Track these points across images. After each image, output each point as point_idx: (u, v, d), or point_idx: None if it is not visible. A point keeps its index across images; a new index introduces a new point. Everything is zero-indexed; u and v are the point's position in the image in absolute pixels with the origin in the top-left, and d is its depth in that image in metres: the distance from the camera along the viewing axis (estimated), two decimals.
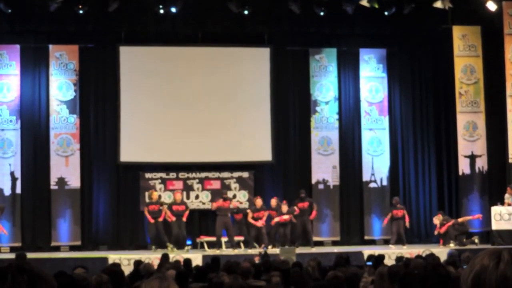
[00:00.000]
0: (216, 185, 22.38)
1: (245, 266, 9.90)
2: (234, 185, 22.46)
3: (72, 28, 21.93)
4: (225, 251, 19.92)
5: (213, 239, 20.86)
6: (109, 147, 22.31)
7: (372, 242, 22.48)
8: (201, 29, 22.44)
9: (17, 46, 21.86)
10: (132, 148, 22.26)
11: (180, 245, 20.29)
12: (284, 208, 20.86)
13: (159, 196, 21.31)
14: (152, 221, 20.50)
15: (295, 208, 21.02)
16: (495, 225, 20.68)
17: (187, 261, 13.44)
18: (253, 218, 20.78)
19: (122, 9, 20.94)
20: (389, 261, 14.30)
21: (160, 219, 20.43)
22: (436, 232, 21.31)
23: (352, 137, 23.26)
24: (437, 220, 21.31)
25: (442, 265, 7.39)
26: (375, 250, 17.39)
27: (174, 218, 20.47)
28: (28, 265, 2.31)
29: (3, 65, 21.70)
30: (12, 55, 21.78)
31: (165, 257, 14.64)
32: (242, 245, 21.12)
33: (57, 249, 20.90)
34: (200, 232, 21.83)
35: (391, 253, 17.57)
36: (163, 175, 22.31)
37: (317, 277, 10.70)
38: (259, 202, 21.06)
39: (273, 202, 21.19)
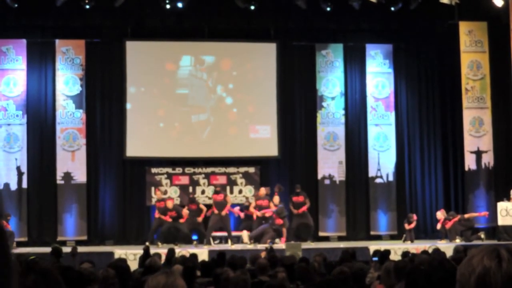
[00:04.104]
0: (222, 180, 22.40)
1: (262, 262, 9.90)
2: (240, 180, 22.47)
3: (79, 23, 21.96)
4: (232, 246, 19.91)
5: (219, 234, 20.93)
6: (115, 142, 22.33)
7: (378, 238, 22.50)
8: (208, 24, 22.46)
9: (24, 41, 21.89)
10: (138, 143, 22.29)
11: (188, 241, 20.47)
12: (276, 199, 20.92)
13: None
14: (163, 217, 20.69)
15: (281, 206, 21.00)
16: (501, 221, 20.68)
17: (193, 256, 13.45)
18: (255, 207, 20.87)
19: (129, 4, 20.95)
20: (395, 257, 14.32)
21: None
22: (439, 226, 21.31)
23: (358, 132, 23.26)
24: (441, 214, 21.30)
25: (447, 260, 7.39)
26: (381, 246, 17.37)
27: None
28: (35, 261, 2.31)
29: (9, 59, 21.73)
30: (18, 49, 21.80)
31: (171, 252, 14.65)
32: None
33: (63, 243, 20.89)
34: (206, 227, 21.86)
35: (397, 249, 17.57)
36: (169, 170, 22.34)
37: (323, 272, 10.71)
38: (262, 191, 21.08)
39: (262, 191, 21.17)
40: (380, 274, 8.43)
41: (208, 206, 21.05)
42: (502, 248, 2.16)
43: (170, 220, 20.35)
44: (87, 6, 20.72)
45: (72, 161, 21.77)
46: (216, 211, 20.52)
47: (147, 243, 20.11)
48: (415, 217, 21.60)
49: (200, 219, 20.78)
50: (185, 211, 20.57)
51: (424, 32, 23.28)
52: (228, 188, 22.23)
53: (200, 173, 22.42)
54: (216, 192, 20.96)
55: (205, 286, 8.93)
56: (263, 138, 22.78)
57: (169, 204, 20.48)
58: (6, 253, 1.51)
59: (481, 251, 2.15)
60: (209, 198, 21.74)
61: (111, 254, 18.09)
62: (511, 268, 2.10)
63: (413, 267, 7.09)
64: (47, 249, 16.72)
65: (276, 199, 20.89)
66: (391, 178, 23.02)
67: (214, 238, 20.85)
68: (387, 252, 12.64)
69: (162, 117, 22.54)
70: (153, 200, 21.72)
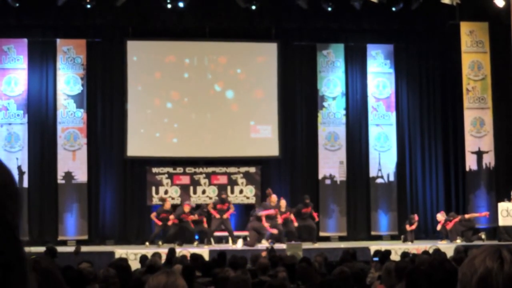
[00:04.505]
0: (223, 180, 22.39)
1: (263, 262, 9.90)
2: (241, 180, 22.46)
3: (80, 22, 21.94)
4: (233, 246, 19.89)
5: (220, 234, 20.92)
6: (116, 142, 22.33)
7: (378, 238, 22.49)
8: (209, 24, 22.44)
9: (25, 40, 21.89)
10: (139, 143, 22.29)
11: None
12: (283, 204, 20.72)
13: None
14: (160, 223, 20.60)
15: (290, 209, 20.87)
16: (502, 221, 20.67)
17: (194, 256, 13.43)
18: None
19: (130, 4, 20.95)
20: (395, 257, 14.31)
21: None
22: (439, 227, 21.30)
23: (359, 132, 23.25)
24: (441, 216, 21.29)
25: (448, 261, 7.39)
26: (382, 246, 17.37)
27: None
28: (38, 261, 2.32)
29: (10, 59, 21.72)
30: (19, 49, 21.80)
31: (171, 252, 14.64)
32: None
33: (64, 243, 20.92)
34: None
35: (398, 249, 17.56)
36: (170, 169, 22.32)
37: (323, 272, 10.71)
38: (274, 198, 20.83)
39: (274, 198, 20.98)
40: (381, 274, 8.43)
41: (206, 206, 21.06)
42: (505, 249, 2.15)
43: (177, 221, 20.35)
44: (88, 6, 20.73)
45: (73, 160, 21.77)
46: (217, 216, 20.44)
47: (147, 243, 20.13)
48: (416, 217, 21.58)
49: (205, 224, 20.77)
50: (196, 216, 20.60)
51: (425, 32, 23.27)
52: (229, 188, 22.21)
53: (201, 173, 22.41)
54: (221, 201, 20.73)
55: (205, 286, 8.92)
56: (264, 138, 22.78)
57: (187, 209, 20.47)
58: (22, 253, 1.52)
59: (484, 251, 2.14)
60: (210, 199, 21.72)
61: (111, 253, 18.08)
62: None
63: (414, 268, 7.09)
64: None
65: (283, 203, 20.75)
66: (392, 178, 23.02)
67: (215, 238, 20.86)
68: (387, 252, 12.64)
69: (163, 116, 22.53)
70: (158, 201, 21.60)
